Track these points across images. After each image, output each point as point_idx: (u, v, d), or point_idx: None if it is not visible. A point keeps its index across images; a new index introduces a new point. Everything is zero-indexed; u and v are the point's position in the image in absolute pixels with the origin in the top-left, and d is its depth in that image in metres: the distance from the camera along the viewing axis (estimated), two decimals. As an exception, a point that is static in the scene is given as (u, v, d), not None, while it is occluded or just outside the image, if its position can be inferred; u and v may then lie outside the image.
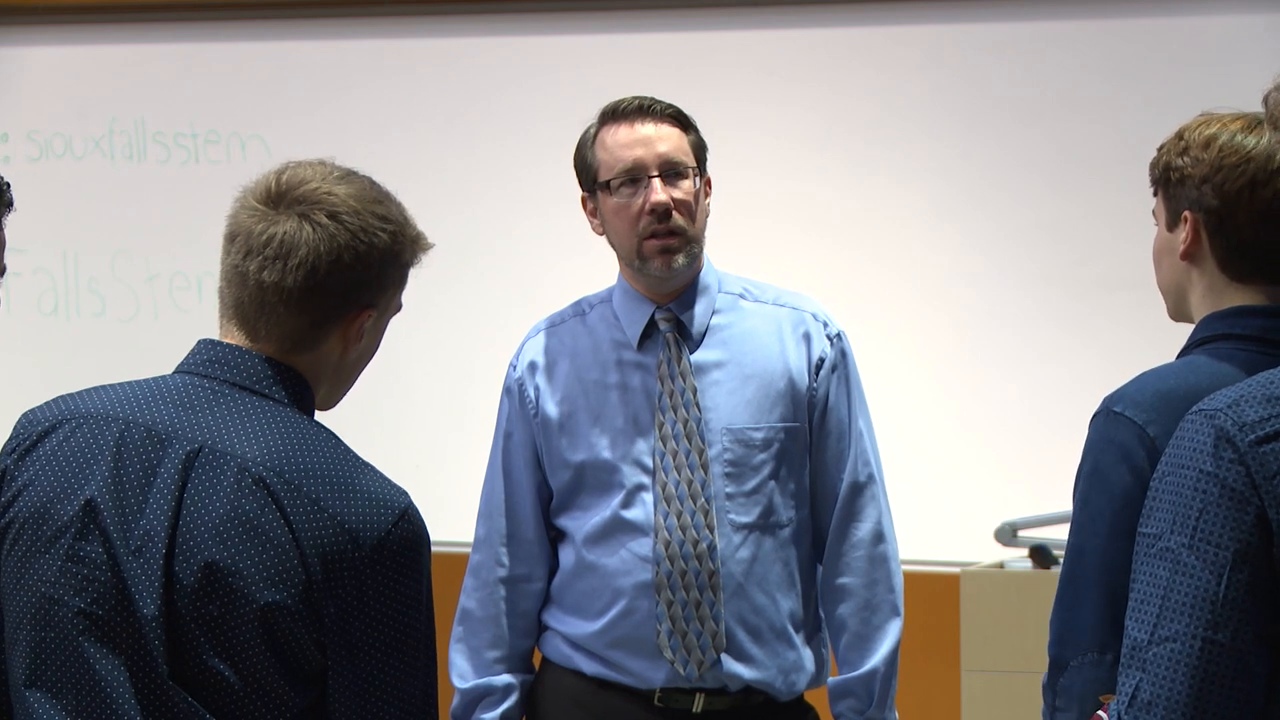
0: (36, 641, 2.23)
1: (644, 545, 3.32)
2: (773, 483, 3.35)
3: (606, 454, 3.35)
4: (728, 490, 3.33)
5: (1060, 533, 4.65)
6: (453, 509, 4.69)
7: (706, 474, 3.32)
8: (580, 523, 3.37)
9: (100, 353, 5.74)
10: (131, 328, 5.77)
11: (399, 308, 2.39)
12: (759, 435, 3.34)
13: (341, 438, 2.32)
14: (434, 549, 2.33)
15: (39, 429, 2.31)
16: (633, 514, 3.33)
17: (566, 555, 3.39)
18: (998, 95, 5.17)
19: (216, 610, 2.20)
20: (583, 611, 3.37)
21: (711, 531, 3.30)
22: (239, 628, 2.20)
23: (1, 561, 2.28)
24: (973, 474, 5.15)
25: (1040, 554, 4.61)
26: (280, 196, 2.30)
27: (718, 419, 3.34)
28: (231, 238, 2.31)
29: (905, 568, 5.11)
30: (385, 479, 2.28)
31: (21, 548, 2.26)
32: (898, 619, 3.42)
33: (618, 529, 3.34)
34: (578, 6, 5.46)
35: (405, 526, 2.25)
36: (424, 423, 5.55)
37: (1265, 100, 2.10)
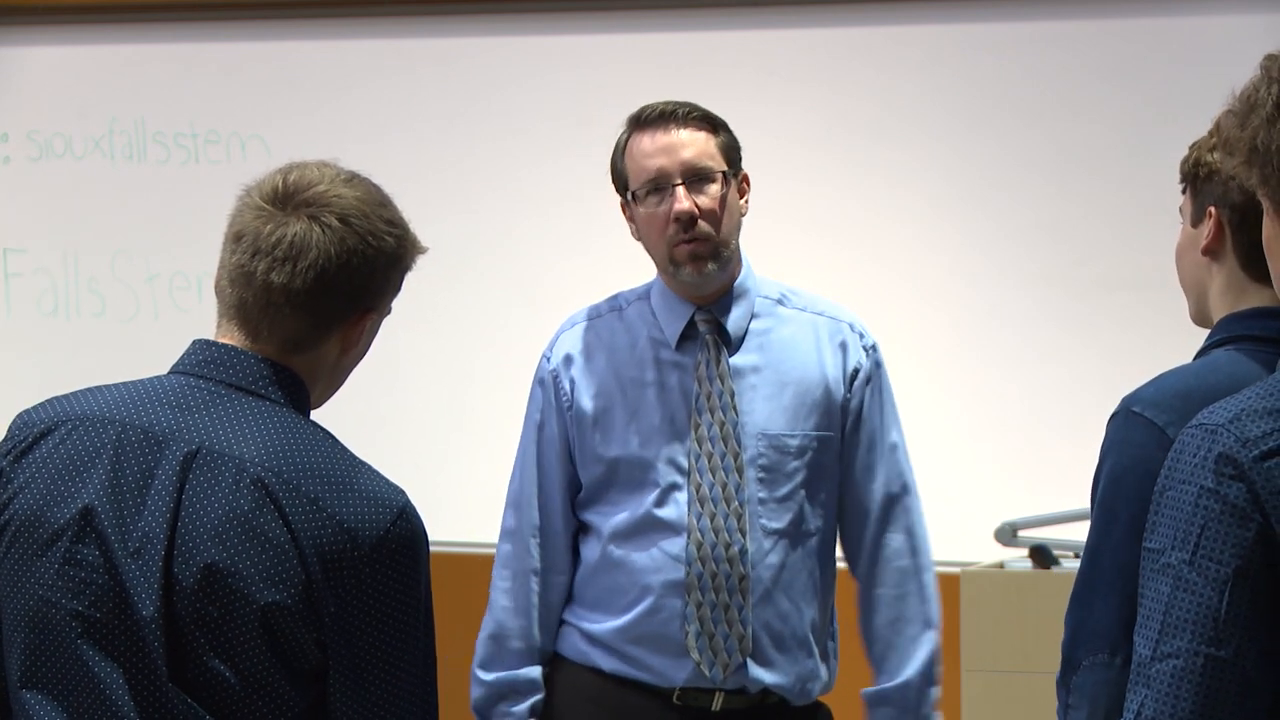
0: (33, 644, 2.23)
1: (676, 544, 3.32)
2: (804, 490, 3.35)
3: (641, 451, 3.34)
4: (760, 495, 3.33)
5: (1060, 533, 4.65)
6: (453, 509, 4.70)
7: (741, 477, 3.32)
8: (609, 518, 3.37)
9: (100, 353, 5.73)
10: (131, 328, 5.77)
11: (390, 311, 2.40)
12: (794, 442, 3.35)
13: (340, 438, 2.32)
14: (433, 549, 2.33)
15: (35, 431, 2.30)
16: (666, 513, 3.33)
17: (590, 550, 3.40)
18: (998, 95, 5.17)
19: (216, 611, 2.20)
20: (605, 607, 3.37)
21: (744, 535, 3.31)
22: (239, 628, 2.20)
23: (-2, 564, 2.29)
24: (973, 474, 5.15)
25: (1040, 554, 4.61)
26: (288, 197, 2.30)
27: (754, 423, 3.34)
28: (237, 237, 2.30)
29: (905, 568, 5.15)
30: (383, 478, 2.28)
31: (18, 551, 2.26)
32: (931, 630, 3.43)
33: (650, 527, 3.34)
34: (578, 6, 5.46)
35: (403, 525, 2.25)
36: (424, 423, 5.55)
37: (1217, 127, 2.09)
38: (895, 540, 3.42)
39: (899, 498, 3.43)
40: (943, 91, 5.20)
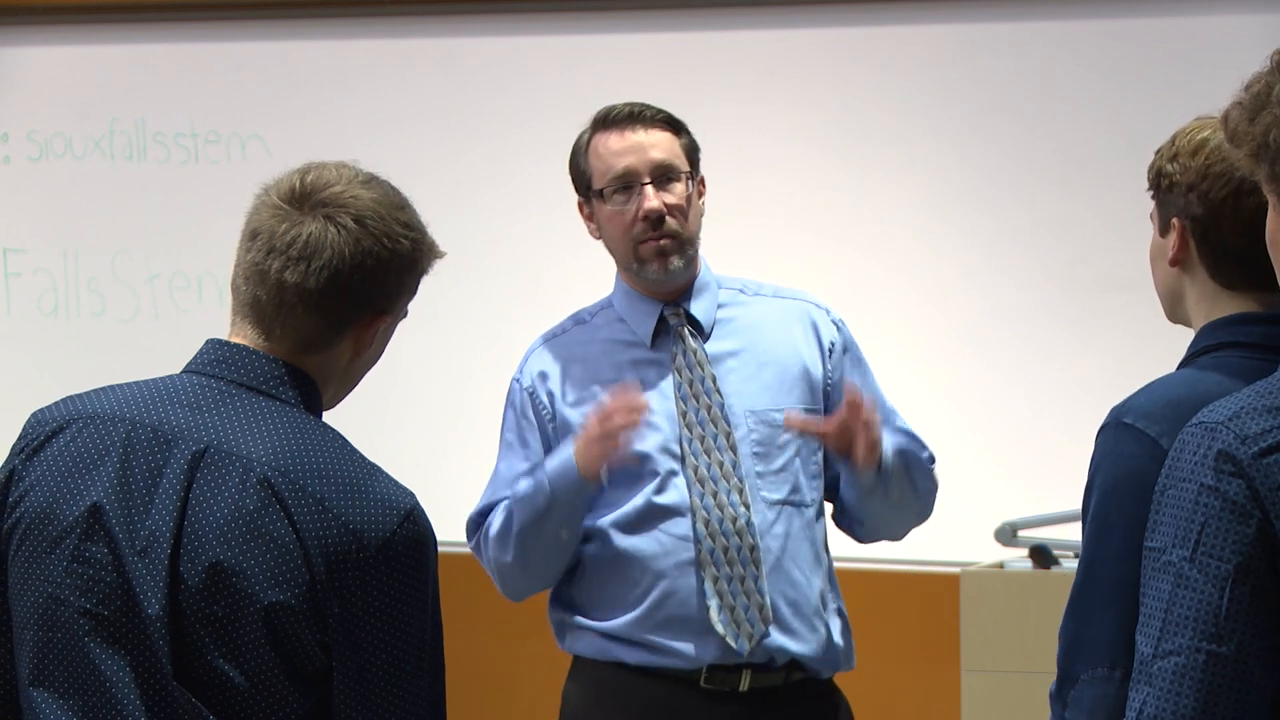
0: (42, 642, 2.24)
1: (681, 526, 3.35)
2: (797, 461, 3.40)
3: (634, 446, 3.36)
4: (758, 469, 3.37)
5: (1060, 533, 4.65)
6: (452, 509, 4.68)
7: (736, 455, 3.36)
8: (609, 515, 3.39)
9: (100, 353, 5.73)
10: (131, 328, 5.77)
11: (405, 314, 2.40)
12: (780, 416, 3.39)
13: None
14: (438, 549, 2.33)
15: (48, 429, 2.31)
16: (666, 498, 3.36)
17: (595, 550, 3.40)
18: (998, 95, 5.17)
19: (221, 610, 2.20)
20: (620, 602, 3.38)
21: (748, 508, 3.34)
22: (243, 628, 2.20)
23: (9, 561, 2.29)
24: (973, 474, 5.15)
25: (1040, 554, 4.61)
26: (305, 197, 2.30)
27: (740, 403, 3.39)
28: (253, 235, 2.31)
29: (905, 568, 5.16)
30: (392, 480, 2.28)
31: (28, 548, 2.27)
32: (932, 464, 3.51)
33: (652, 515, 3.36)
34: (578, 6, 5.46)
35: (410, 527, 2.25)
36: (424, 423, 5.55)
37: (1225, 118, 2.08)
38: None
39: (914, 437, 3.50)
40: (943, 91, 5.20)
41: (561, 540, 3.36)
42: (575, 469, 3.28)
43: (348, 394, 2.41)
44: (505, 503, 3.41)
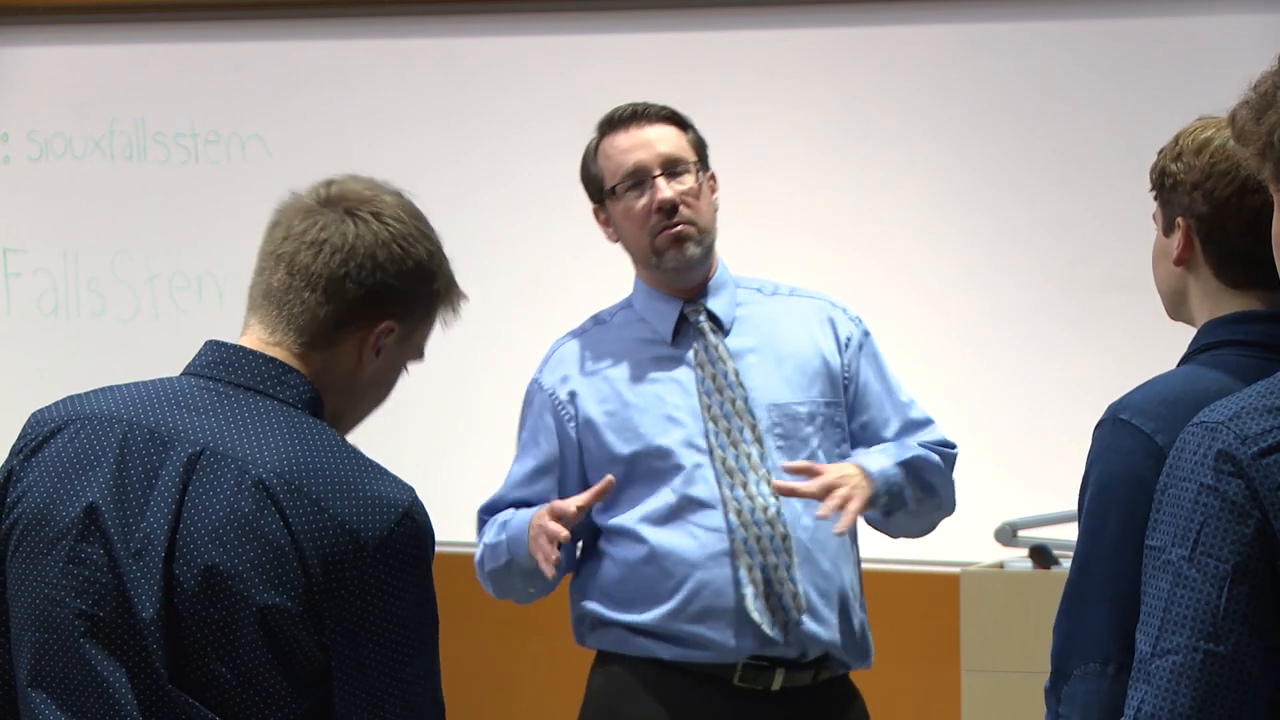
0: (39, 643, 2.24)
1: (713, 517, 3.37)
2: (820, 453, 3.44)
3: (659, 441, 3.40)
4: (784, 462, 3.39)
5: (1060, 533, 4.65)
6: (453, 509, 4.69)
7: (762, 446, 3.40)
8: (637, 511, 3.41)
9: (100, 353, 5.74)
10: (131, 328, 5.77)
11: (420, 354, 2.40)
12: (803, 409, 3.44)
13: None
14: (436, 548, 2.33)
15: (46, 429, 2.32)
16: (696, 491, 3.39)
17: (623, 548, 3.41)
18: (998, 95, 5.17)
19: (217, 613, 2.20)
20: (652, 597, 3.39)
21: (777, 498, 3.37)
22: (239, 630, 2.20)
23: (8, 562, 2.29)
24: (973, 474, 5.14)
25: (1040, 554, 4.61)
26: (329, 198, 2.33)
27: (762, 396, 3.43)
28: (274, 226, 2.34)
29: (905, 568, 5.16)
30: (391, 478, 2.27)
31: (25, 549, 2.27)
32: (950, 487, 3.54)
33: (683, 508, 3.39)
34: (578, 6, 5.46)
35: (408, 525, 2.24)
36: (424, 423, 5.55)
37: (1232, 117, 2.09)
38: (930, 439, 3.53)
39: (927, 423, 3.53)
40: (943, 91, 5.20)
41: (530, 594, 3.45)
42: (526, 546, 3.33)
43: (355, 417, 2.39)
44: (495, 526, 3.44)
